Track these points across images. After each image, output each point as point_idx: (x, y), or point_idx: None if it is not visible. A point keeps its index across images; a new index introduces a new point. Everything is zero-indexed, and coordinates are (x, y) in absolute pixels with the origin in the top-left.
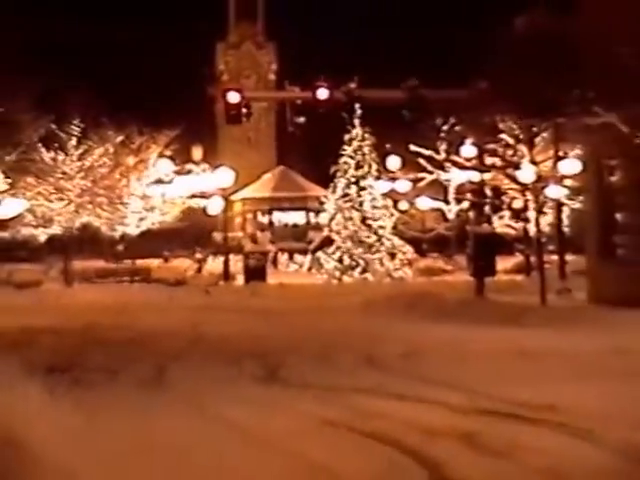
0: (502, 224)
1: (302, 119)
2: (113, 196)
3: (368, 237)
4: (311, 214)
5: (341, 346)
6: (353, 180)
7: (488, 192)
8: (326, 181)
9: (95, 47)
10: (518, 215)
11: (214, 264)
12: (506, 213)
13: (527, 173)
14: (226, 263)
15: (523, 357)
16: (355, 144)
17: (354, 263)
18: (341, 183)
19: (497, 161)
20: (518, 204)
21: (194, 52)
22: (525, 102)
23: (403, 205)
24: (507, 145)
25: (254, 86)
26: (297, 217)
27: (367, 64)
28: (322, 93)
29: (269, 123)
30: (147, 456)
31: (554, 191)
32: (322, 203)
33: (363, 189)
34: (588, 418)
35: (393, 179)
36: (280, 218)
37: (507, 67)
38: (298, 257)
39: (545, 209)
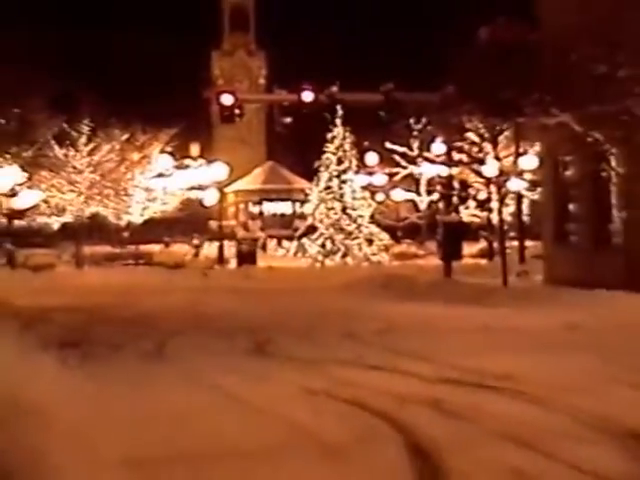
0: (468, 214)
1: (289, 119)
2: (119, 188)
3: (348, 225)
4: (297, 204)
5: (323, 323)
6: (335, 174)
7: (456, 185)
8: (310, 175)
9: (104, 54)
10: (482, 205)
11: (210, 249)
12: (472, 204)
13: (491, 168)
14: (221, 248)
15: (486, 332)
16: (337, 142)
17: (335, 248)
18: (324, 177)
19: (464, 157)
20: (483, 195)
21: (193, 59)
22: (489, 104)
23: (380, 196)
24: (473, 143)
25: (246, 89)
26: (284, 207)
27: (347, 70)
28: (307, 96)
29: (259, 123)
30: (150, 419)
31: (515, 184)
32: (307, 194)
33: (344, 182)
34: (542, 386)
35: (371, 173)
36: (269, 208)
37: (473, 72)
38: (285, 243)
39: (507, 200)
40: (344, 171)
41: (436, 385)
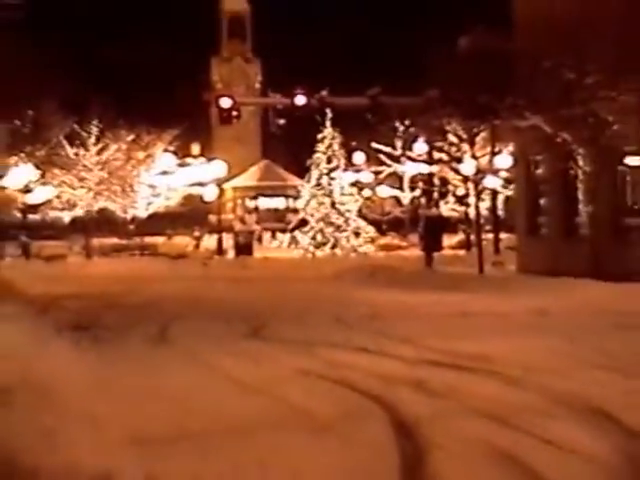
0: (448, 208)
1: (282, 121)
2: (125, 185)
3: (337, 219)
4: (290, 200)
5: (314, 308)
6: (325, 172)
7: (436, 182)
8: (302, 172)
9: (112, 61)
10: (461, 201)
11: (210, 241)
12: (451, 199)
13: (468, 166)
14: (220, 240)
15: (464, 317)
16: (326, 142)
17: (325, 240)
18: (315, 174)
19: (444, 156)
20: (461, 192)
21: (194, 65)
22: (467, 107)
23: (366, 192)
24: (452, 143)
25: (243, 93)
26: (278, 202)
27: (337, 76)
28: (299, 100)
29: (255, 124)
30: (155, 398)
31: (490, 181)
32: (299, 191)
33: (333, 179)
34: (515, 367)
35: (358, 171)
36: (264, 203)
37: (453, 78)
38: (279, 235)
39: (483, 196)
40: (333, 169)
41: (418, 366)
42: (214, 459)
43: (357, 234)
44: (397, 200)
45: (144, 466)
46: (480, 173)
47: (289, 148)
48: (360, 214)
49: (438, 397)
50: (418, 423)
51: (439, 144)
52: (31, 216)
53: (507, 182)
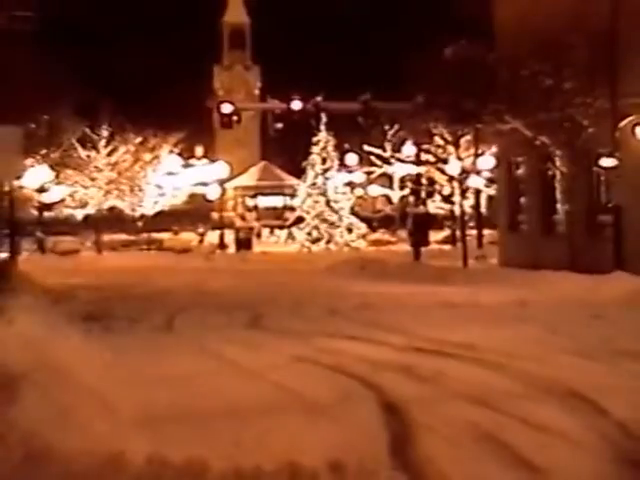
0: (434, 206)
1: (280, 125)
2: (134, 184)
3: (331, 216)
4: (287, 198)
5: (309, 300)
6: (320, 172)
7: (424, 181)
8: (299, 173)
9: (121, 69)
10: (446, 199)
11: (212, 236)
12: (437, 197)
13: (454, 167)
14: (222, 236)
15: (449, 307)
16: (321, 144)
17: (320, 236)
18: (310, 174)
19: (431, 158)
20: (447, 191)
21: (197, 73)
22: (452, 112)
23: (358, 191)
24: (438, 145)
25: (243, 99)
26: (276, 201)
27: (331, 82)
28: (296, 105)
29: (254, 128)
30: (160, 382)
31: (474, 181)
32: (295, 190)
33: (327, 179)
34: (497, 354)
35: (351, 171)
36: (263, 201)
37: (439, 85)
38: (277, 231)
39: (467, 194)
40: (327, 169)
41: (406, 353)
42: (216, 438)
43: (350, 230)
44: (387, 198)
45: (152, 444)
46: (464, 173)
47: (286, 150)
48: (353, 212)
49: (425, 382)
50: (406, 405)
51: (426, 146)
52: (46, 213)
53: (490, 182)
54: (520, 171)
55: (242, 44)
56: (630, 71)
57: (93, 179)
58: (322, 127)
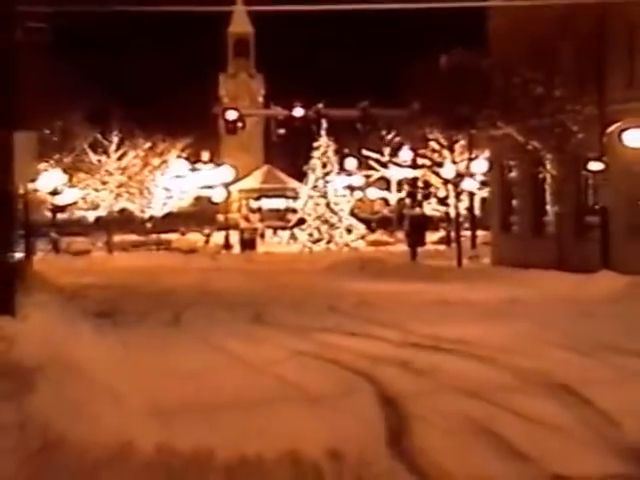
0: (430, 208)
1: (283, 131)
2: (143, 187)
3: (331, 217)
4: (289, 200)
5: (310, 297)
6: (320, 176)
7: (420, 184)
8: (301, 176)
9: (131, 77)
10: (442, 201)
11: (218, 237)
12: (433, 200)
13: (449, 170)
14: (227, 236)
15: (444, 305)
16: (322, 149)
17: (321, 236)
18: (311, 178)
19: (426, 162)
20: (442, 193)
21: (203, 81)
22: (447, 118)
23: (357, 194)
24: (434, 150)
25: (247, 106)
26: (279, 203)
27: (331, 90)
28: (297, 111)
29: (258, 133)
30: (168, 374)
31: (468, 184)
32: (297, 192)
33: (328, 182)
34: (489, 348)
35: (350, 175)
36: (267, 204)
37: (434, 92)
38: (280, 232)
39: (462, 197)
40: (328, 173)
41: (402, 348)
42: (221, 427)
43: (349, 231)
44: (385, 201)
45: (161, 434)
46: (459, 177)
47: (289, 154)
48: (352, 213)
49: (421, 375)
50: (402, 398)
51: (422, 151)
52: (59, 215)
53: (483, 185)
54: (512, 174)
55: (246, 53)
56: (617, 79)
57: (104, 182)
58: (323, 133)
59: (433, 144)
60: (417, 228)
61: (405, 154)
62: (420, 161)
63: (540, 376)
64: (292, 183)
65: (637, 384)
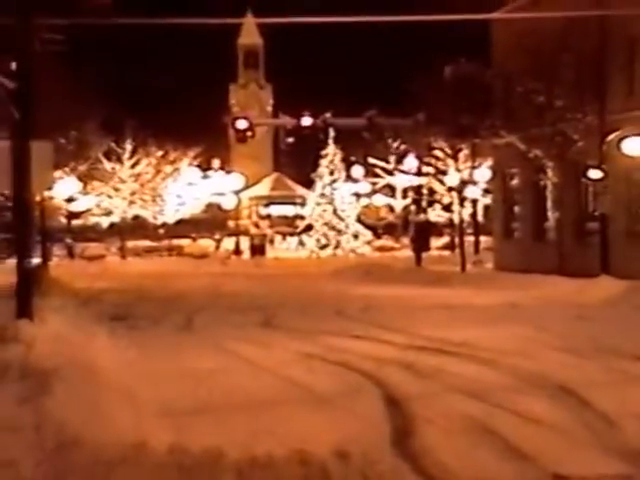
0: (435, 215)
1: (291, 139)
2: (155, 195)
3: (338, 224)
4: (298, 207)
5: (317, 301)
6: (328, 183)
7: (425, 191)
8: (308, 183)
9: (144, 88)
10: (446, 208)
11: (228, 243)
12: (437, 207)
13: (452, 178)
14: (237, 242)
15: (447, 309)
16: (329, 157)
17: (328, 242)
18: (319, 185)
19: (431, 169)
20: (446, 200)
21: (214, 91)
22: (451, 127)
23: (364, 201)
24: (438, 158)
25: (257, 115)
26: (288, 209)
27: (338, 100)
28: (306, 121)
29: (268, 142)
30: (181, 377)
31: (472, 191)
32: (305, 199)
33: (335, 189)
34: (490, 351)
35: (356, 182)
36: (275, 210)
37: (439, 102)
38: (288, 238)
39: (465, 204)
40: (335, 181)
41: (407, 351)
42: (232, 428)
43: (356, 237)
44: (390, 207)
45: (173, 435)
46: (463, 184)
47: (297, 162)
48: (358, 220)
49: (425, 377)
50: (407, 399)
51: (427, 159)
52: (74, 222)
53: (486, 192)
54: (514, 182)
55: (256, 64)
56: (616, 89)
57: (118, 190)
58: (330, 141)
59: (437, 152)
60: (422, 234)
61: (410, 162)
62: (425, 169)
63: (541, 378)
64: (300, 190)
65: (636, 387)
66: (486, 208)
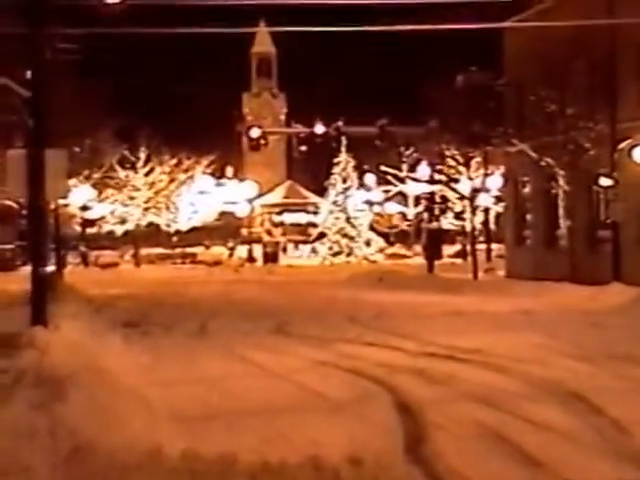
0: (447, 222)
1: (304, 147)
2: (169, 202)
3: (351, 231)
4: (310, 215)
5: (330, 308)
6: (340, 191)
7: (437, 199)
8: (321, 191)
9: (157, 97)
10: (458, 216)
11: (241, 251)
12: (450, 214)
13: (465, 186)
14: (250, 250)
15: (459, 316)
16: (342, 165)
17: (341, 250)
18: (332, 193)
19: (443, 177)
20: (458, 208)
21: (228, 100)
22: (463, 135)
23: (376, 209)
24: (450, 166)
25: (270, 124)
26: (301, 217)
27: (350, 109)
28: (318, 129)
29: (280, 150)
30: (194, 382)
31: (484, 199)
32: (318, 207)
33: (348, 197)
34: (502, 358)
35: (369, 190)
36: (288, 218)
37: (451, 111)
38: (301, 246)
39: (477, 212)
40: (348, 188)
41: (419, 358)
42: (245, 434)
43: (368, 244)
44: (403, 215)
45: (187, 440)
46: (475, 192)
47: (310, 170)
48: (371, 227)
49: (437, 384)
50: (419, 405)
51: (439, 167)
52: (89, 229)
53: (498, 200)
54: (526, 190)
55: (269, 73)
56: (628, 97)
57: (132, 197)
58: (343, 149)
59: (449, 160)
60: (434, 242)
61: (422, 170)
62: (437, 177)
63: (552, 385)
64: (313, 198)
65: None
66: (498, 216)
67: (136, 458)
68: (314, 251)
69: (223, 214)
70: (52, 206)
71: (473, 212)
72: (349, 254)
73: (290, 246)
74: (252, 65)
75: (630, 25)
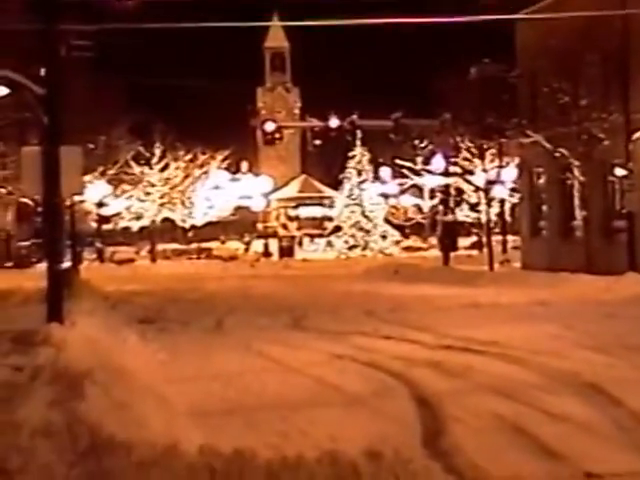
0: (462, 214)
1: (318, 141)
2: (184, 198)
3: (366, 225)
4: (326, 209)
5: (346, 302)
6: (356, 184)
7: (452, 191)
8: (336, 185)
9: (172, 92)
10: (473, 208)
11: (257, 245)
12: (465, 206)
13: (479, 178)
14: (266, 244)
15: (475, 308)
16: (357, 158)
17: (356, 243)
18: (347, 186)
19: (458, 169)
20: (473, 200)
21: (242, 95)
22: (477, 127)
23: (391, 201)
24: (465, 158)
25: (284, 118)
26: (316, 211)
27: (365, 102)
28: (333, 123)
29: (295, 144)
30: (211, 378)
31: (499, 190)
32: (333, 201)
33: (363, 190)
34: (519, 349)
35: (384, 183)
36: (304, 212)
37: (465, 103)
38: (317, 240)
39: (492, 203)
40: (363, 182)
41: (436, 350)
42: (262, 429)
43: (384, 238)
44: (418, 208)
45: (204, 436)
46: (490, 184)
47: (324, 164)
48: (386, 220)
49: (454, 376)
50: (436, 398)
51: (454, 159)
52: (104, 225)
53: (513, 191)
54: (541, 181)
55: (283, 67)
56: None
57: (147, 193)
58: (357, 143)
59: (464, 152)
60: (449, 234)
61: (437, 162)
62: (452, 169)
63: (569, 376)
64: (328, 192)
65: None
66: (513, 207)
67: (154, 454)
68: (330, 245)
69: (238, 209)
70: (68, 203)
71: (488, 204)
72: (365, 247)
73: (306, 240)
74: (266, 60)
75: None
